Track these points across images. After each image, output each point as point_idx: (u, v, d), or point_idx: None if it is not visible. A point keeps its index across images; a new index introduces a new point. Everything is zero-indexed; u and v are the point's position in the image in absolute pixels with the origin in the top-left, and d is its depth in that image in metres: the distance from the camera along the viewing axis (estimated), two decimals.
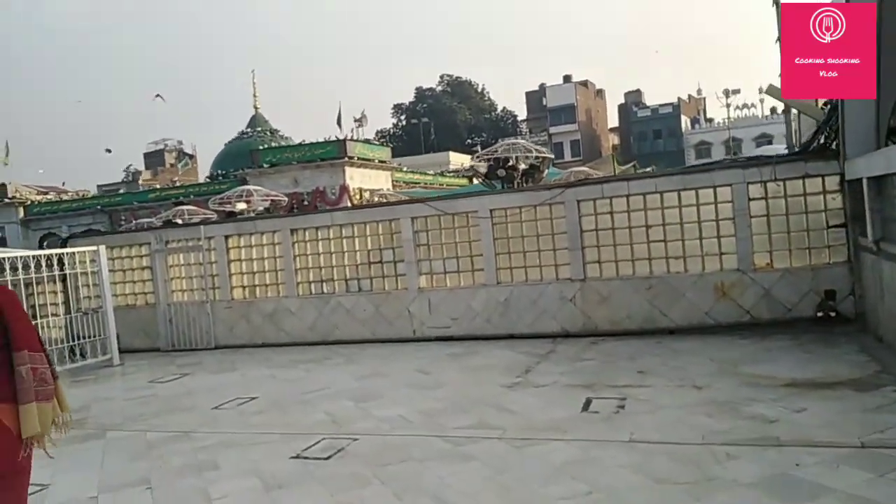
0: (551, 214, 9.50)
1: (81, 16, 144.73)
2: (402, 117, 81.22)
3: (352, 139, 31.79)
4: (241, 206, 17.44)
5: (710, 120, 75.86)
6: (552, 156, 13.33)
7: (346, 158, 30.15)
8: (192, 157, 70.84)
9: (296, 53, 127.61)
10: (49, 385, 2.96)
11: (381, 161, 32.50)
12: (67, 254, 10.19)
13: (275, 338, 11.04)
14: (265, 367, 9.35)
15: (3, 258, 8.90)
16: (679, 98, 76.94)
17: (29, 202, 38.28)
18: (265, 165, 30.70)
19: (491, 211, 9.79)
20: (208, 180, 38.42)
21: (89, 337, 10.38)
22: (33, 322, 3.50)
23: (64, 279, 10.77)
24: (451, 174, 44.93)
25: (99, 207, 35.71)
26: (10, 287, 4.62)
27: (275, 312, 11.09)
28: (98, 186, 53.73)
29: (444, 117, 77.17)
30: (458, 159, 54.90)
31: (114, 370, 10.22)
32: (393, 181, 34.22)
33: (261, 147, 33.55)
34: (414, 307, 10.19)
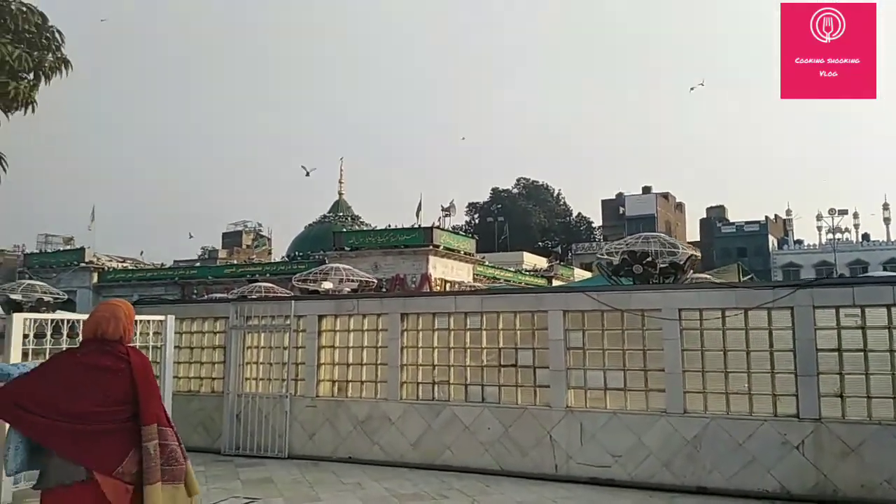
0: (770, 323, 6.90)
1: (169, 95, 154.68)
2: (476, 216, 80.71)
3: (438, 227, 30.13)
4: (328, 285, 15.39)
5: (799, 241, 72.07)
6: (699, 254, 10.79)
7: (431, 247, 28.35)
8: (267, 238, 71.28)
9: (380, 144, 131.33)
10: (179, 464, 2.85)
11: (466, 253, 30.54)
12: None
13: (366, 452, 8.53)
14: (355, 499, 6.82)
15: (46, 321, 6.89)
16: (766, 216, 73.86)
17: (104, 268, 37.91)
18: (347, 248, 29.15)
19: (680, 311, 7.27)
20: (286, 259, 37.32)
21: None
22: None
23: None
24: (530, 273, 42.86)
25: (174, 280, 34.84)
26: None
27: (369, 419, 8.63)
28: (175, 262, 53.98)
29: (518, 218, 76.17)
30: (532, 260, 53.34)
31: None
32: (474, 274, 32.15)
33: (343, 230, 32.24)
34: (559, 432, 7.57)
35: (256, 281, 28.82)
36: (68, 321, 7.14)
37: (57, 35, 7.34)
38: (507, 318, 8.23)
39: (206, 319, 9.96)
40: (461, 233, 34.66)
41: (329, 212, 44.19)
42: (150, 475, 2.73)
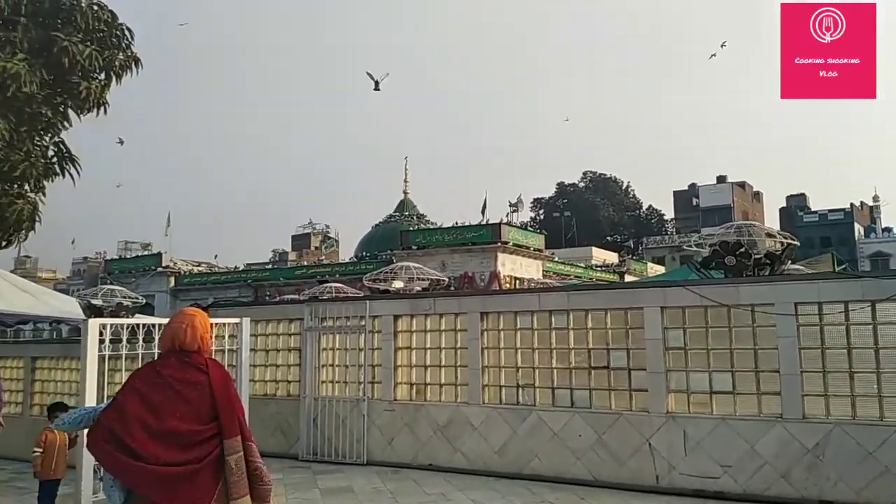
0: None
1: (238, 100, 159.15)
2: (541, 211, 79.46)
3: (506, 223, 29.52)
4: (398, 284, 15.11)
5: (888, 229, 67.83)
6: (797, 242, 9.83)
7: (500, 243, 27.77)
8: (335, 240, 72.41)
9: (444, 143, 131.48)
10: (266, 484, 2.79)
11: (536, 249, 29.82)
12: None
13: (448, 460, 8.10)
14: None
15: (122, 325, 6.75)
16: (851, 204, 69.79)
17: (180, 272, 39.04)
18: (414, 247, 28.92)
19: (796, 305, 6.52)
20: (354, 260, 37.50)
21: None
22: None
23: None
24: (600, 269, 41.69)
25: (247, 282, 35.51)
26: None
27: (450, 424, 8.19)
28: (246, 265, 55.32)
29: (585, 213, 74.52)
30: (601, 255, 51.88)
31: None
32: (543, 271, 31.39)
33: (410, 229, 32.07)
34: (659, 440, 6.92)
35: (326, 282, 28.99)
36: (144, 325, 7.00)
37: (127, 32, 7.24)
38: (596, 316, 7.63)
39: (280, 321, 9.76)
40: (529, 229, 33.91)
41: (395, 211, 44.21)
42: (237, 489, 2.68)
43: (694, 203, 78.01)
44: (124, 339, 6.78)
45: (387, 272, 15.76)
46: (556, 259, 34.54)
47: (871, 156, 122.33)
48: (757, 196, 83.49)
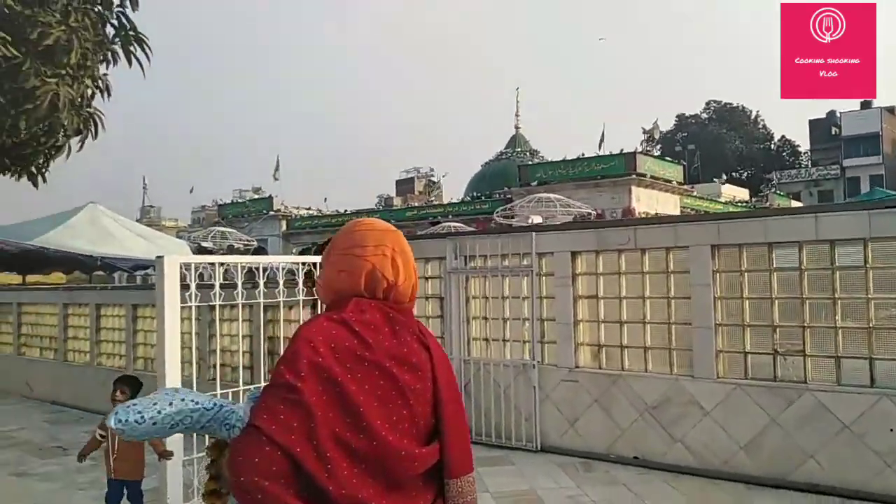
0: None
1: (362, 48, 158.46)
2: (658, 147, 73.86)
3: (642, 152, 26.06)
4: (537, 218, 12.73)
5: None
6: None
7: (634, 176, 24.54)
8: (435, 182, 70.80)
9: (556, 74, 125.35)
10: None
11: (679, 182, 26.32)
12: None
13: (663, 453, 5.72)
14: None
15: (210, 265, 4.68)
16: None
17: (292, 216, 38.44)
18: (534, 183, 26.20)
19: None
20: (467, 200, 35.33)
21: None
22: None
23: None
24: (741, 206, 37.54)
25: None
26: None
27: (665, 403, 5.76)
28: (356, 209, 54.46)
29: (708, 146, 68.47)
30: (730, 192, 46.94)
31: None
32: (681, 208, 27.92)
33: (529, 164, 29.31)
34: None
35: (438, 222, 27.07)
36: (245, 266, 4.99)
37: None
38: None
39: (417, 261, 7.56)
40: (667, 158, 30.04)
41: (506, 148, 41.51)
42: None
43: (833, 132, 70.14)
44: (217, 283, 4.75)
45: (524, 204, 13.39)
46: (696, 194, 30.69)
47: None
48: None
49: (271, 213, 37.86)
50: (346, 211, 41.09)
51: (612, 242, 6.26)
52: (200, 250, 18.05)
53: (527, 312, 6.66)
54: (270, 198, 39.22)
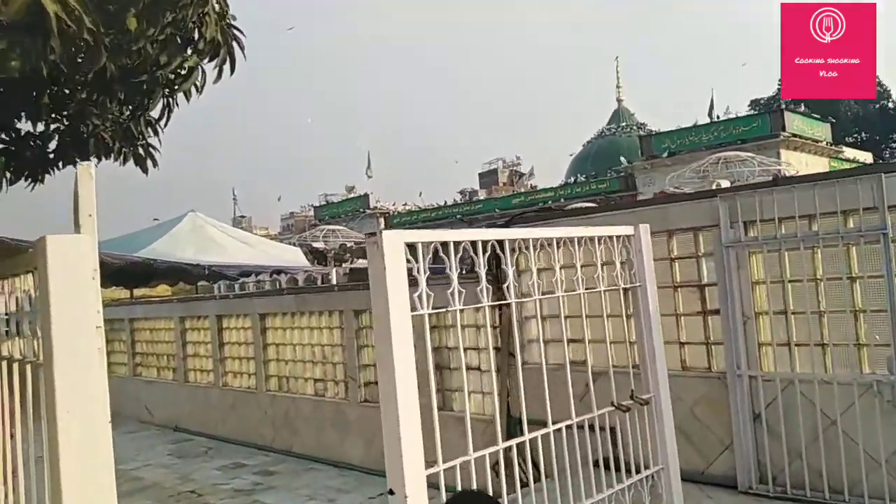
0: None
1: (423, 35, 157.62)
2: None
3: (789, 109, 22.75)
4: (724, 182, 10.38)
5: None
6: None
7: (782, 136, 21.35)
8: (519, 171, 68.22)
9: (654, 43, 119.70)
10: None
11: (829, 144, 22.88)
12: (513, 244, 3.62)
13: None
14: None
15: (445, 244, 2.69)
16: None
17: (389, 213, 37.14)
18: (663, 154, 23.36)
19: None
20: (571, 182, 32.76)
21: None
22: None
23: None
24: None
25: (459, 218, 32.41)
26: None
27: None
28: (444, 202, 52.58)
29: (817, 110, 62.57)
30: (852, 156, 41.95)
31: None
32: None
33: (651, 134, 26.45)
34: None
35: (549, 208, 24.72)
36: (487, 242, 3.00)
37: None
38: None
39: (659, 234, 5.32)
40: (815, 116, 26.22)
41: (609, 123, 38.60)
42: None
43: None
44: (454, 275, 2.76)
45: (702, 164, 11.06)
46: (843, 157, 26.84)
47: None
48: None
49: (368, 211, 36.61)
50: (445, 203, 39.40)
51: None
52: (313, 252, 16.72)
53: (859, 301, 4.35)
54: (366, 196, 37.99)
